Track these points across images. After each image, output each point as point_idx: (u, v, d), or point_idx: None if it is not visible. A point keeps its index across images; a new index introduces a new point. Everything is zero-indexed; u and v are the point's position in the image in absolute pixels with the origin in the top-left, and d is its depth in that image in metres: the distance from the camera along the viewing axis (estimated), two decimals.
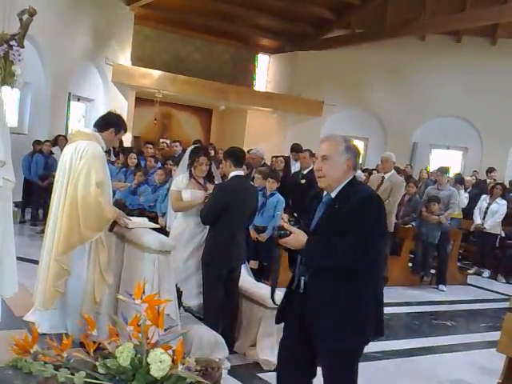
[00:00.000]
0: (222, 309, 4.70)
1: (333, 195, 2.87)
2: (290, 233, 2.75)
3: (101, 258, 4.04)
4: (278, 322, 3.07)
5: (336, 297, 2.70)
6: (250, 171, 7.57)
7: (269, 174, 7.11)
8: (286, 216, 3.02)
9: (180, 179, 5.16)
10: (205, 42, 17.93)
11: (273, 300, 3.09)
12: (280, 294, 3.04)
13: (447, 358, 5.36)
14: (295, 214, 2.89)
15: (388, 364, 4.97)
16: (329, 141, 2.88)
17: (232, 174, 4.73)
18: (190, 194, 5.05)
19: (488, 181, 12.36)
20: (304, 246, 2.73)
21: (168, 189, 6.88)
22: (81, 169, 4.01)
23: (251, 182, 6.94)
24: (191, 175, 5.08)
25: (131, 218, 4.33)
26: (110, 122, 4.27)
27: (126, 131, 4.40)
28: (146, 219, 4.79)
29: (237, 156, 4.81)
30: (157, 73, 14.66)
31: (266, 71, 19.14)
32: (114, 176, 8.31)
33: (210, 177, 5.15)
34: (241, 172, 4.83)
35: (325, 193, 2.95)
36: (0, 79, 5.90)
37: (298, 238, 2.75)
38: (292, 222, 2.82)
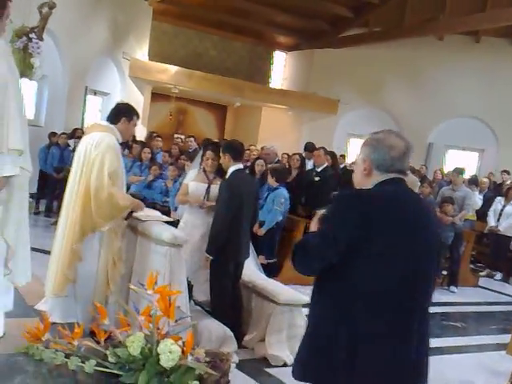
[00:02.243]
0: (230, 304, 4.73)
1: None
2: None
3: (114, 247, 4.08)
4: None
5: None
6: (265, 167, 7.57)
7: (274, 173, 7.05)
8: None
9: (191, 173, 5.28)
10: (222, 39, 17.96)
11: None
12: None
13: (456, 360, 5.33)
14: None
15: None
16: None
17: (232, 168, 4.73)
18: (193, 187, 5.17)
19: (504, 183, 12.25)
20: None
21: (181, 183, 6.96)
22: (94, 159, 4.05)
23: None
24: (203, 169, 5.18)
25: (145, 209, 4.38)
26: (119, 112, 4.29)
27: (138, 117, 4.39)
28: (159, 213, 4.84)
29: (236, 150, 4.81)
30: (173, 68, 14.71)
31: (282, 68, 19.12)
32: (128, 169, 8.39)
33: (222, 172, 5.15)
34: (240, 165, 4.85)
35: None
36: (19, 71, 5.97)
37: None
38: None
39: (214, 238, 4.64)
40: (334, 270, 2.11)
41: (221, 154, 4.80)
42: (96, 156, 4.06)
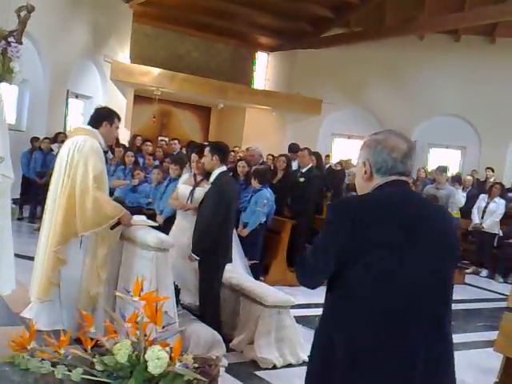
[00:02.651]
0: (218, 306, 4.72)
1: None
2: None
3: (99, 253, 4.03)
4: None
5: None
6: (249, 169, 7.57)
7: (257, 175, 7.05)
8: None
9: (184, 176, 5.33)
10: (203, 40, 17.91)
11: None
12: None
13: None
14: None
15: None
16: None
17: (218, 170, 4.72)
18: (181, 190, 5.21)
19: (488, 180, 12.38)
20: None
21: (166, 186, 6.92)
22: (77, 163, 4.01)
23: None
24: (194, 172, 5.21)
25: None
26: (100, 117, 4.26)
27: (119, 119, 4.36)
28: (144, 217, 4.80)
29: (224, 152, 4.85)
30: (155, 70, 14.64)
31: (264, 69, 19.13)
32: (111, 174, 8.32)
33: (209, 174, 5.13)
34: (225, 168, 4.86)
35: None
36: None
37: None
38: None
39: (199, 240, 4.63)
40: (332, 279, 2.01)
41: (207, 154, 4.75)
42: (79, 159, 4.01)
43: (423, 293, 1.97)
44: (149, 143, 9.85)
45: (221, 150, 4.79)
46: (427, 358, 1.94)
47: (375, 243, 1.93)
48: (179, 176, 6.19)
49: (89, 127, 4.27)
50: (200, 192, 4.99)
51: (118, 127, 4.36)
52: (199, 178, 5.14)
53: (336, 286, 2.00)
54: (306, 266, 2.07)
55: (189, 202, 5.09)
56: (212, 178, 4.74)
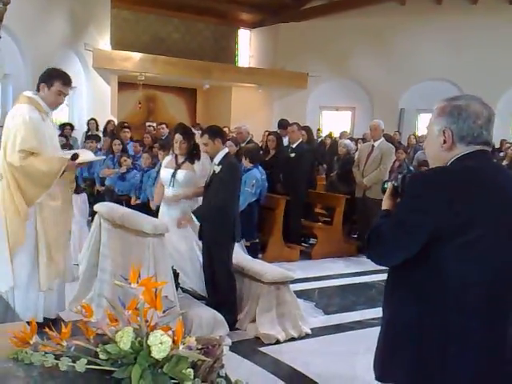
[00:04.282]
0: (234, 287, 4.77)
1: None
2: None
3: (49, 236, 3.98)
4: None
5: None
6: (238, 147, 7.54)
7: (247, 154, 7.03)
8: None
9: (165, 160, 5.29)
10: (184, 21, 17.70)
11: None
12: None
13: None
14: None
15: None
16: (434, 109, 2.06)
17: (223, 151, 4.74)
18: (163, 173, 5.17)
19: None
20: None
21: (157, 172, 6.88)
22: (7, 135, 3.91)
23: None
24: (175, 154, 5.13)
25: (77, 151, 4.25)
26: (39, 79, 4.06)
27: (65, 83, 4.06)
28: (90, 153, 4.78)
29: (223, 134, 4.92)
30: (137, 55, 14.48)
31: (247, 46, 18.95)
32: (101, 163, 8.26)
33: (192, 156, 5.05)
34: (227, 149, 4.92)
35: None
36: None
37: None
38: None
39: (213, 208, 4.60)
40: (417, 257, 1.84)
41: (207, 142, 4.71)
42: (9, 132, 3.91)
43: None
44: (127, 130, 9.70)
45: (219, 133, 4.83)
46: None
47: (477, 221, 1.78)
48: None
49: (30, 93, 4.07)
50: (182, 174, 4.96)
51: (59, 92, 4.06)
52: (181, 159, 5.04)
53: (421, 266, 1.84)
54: (384, 243, 1.90)
55: (171, 185, 5.03)
56: (217, 160, 4.70)
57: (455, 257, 1.79)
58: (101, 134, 10.04)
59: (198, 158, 5.07)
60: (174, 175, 5.01)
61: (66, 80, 4.08)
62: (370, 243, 1.96)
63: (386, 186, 2.16)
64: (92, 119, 11.04)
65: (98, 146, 8.80)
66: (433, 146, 1.98)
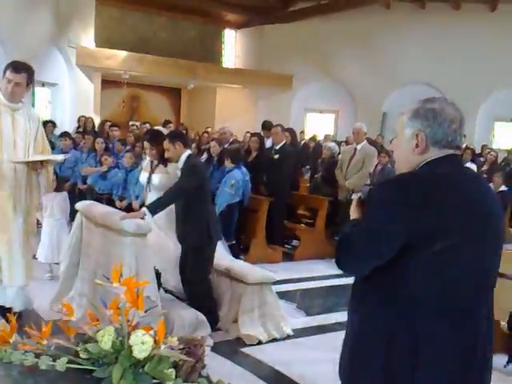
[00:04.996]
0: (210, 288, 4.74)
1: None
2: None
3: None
4: None
5: None
6: (221, 148, 7.55)
7: (229, 155, 7.02)
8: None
9: (144, 162, 5.41)
10: (170, 20, 17.64)
11: None
12: None
13: None
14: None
15: None
16: (402, 111, 2.03)
17: (184, 155, 4.59)
18: (141, 177, 5.25)
19: None
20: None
21: (140, 171, 6.86)
22: None
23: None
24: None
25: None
26: None
27: (13, 69, 3.98)
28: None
29: (184, 136, 4.82)
30: (122, 53, 14.39)
31: (233, 47, 18.96)
32: (83, 161, 8.20)
33: (164, 159, 4.94)
34: (190, 151, 4.74)
35: None
36: None
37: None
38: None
39: (161, 203, 4.42)
40: (386, 266, 1.80)
41: (168, 146, 4.60)
42: None
43: (489, 282, 1.88)
44: (115, 128, 9.68)
45: (179, 136, 4.74)
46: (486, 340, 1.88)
47: (449, 228, 1.75)
48: None
49: None
50: (157, 178, 4.99)
51: (9, 79, 3.98)
52: (155, 163, 5.08)
53: (392, 272, 1.80)
54: (353, 251, 1.85)
55: (148, 190, 5.06)
56: (181, 164, 4.61)
57: (425, 262, 1.76)
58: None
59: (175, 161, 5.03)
60: (149, 180, 5.05)
61: (14, 67, 4.03)
62: (340, 252, 1.89)
63: (351, 197, 2.13)
64: (82, 116, 11.13)
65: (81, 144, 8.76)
66: (403, 148, 1.94)
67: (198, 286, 4.60)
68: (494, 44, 14.60)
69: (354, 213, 2.04)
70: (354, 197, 2.09)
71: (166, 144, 4.64)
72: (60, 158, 4.74)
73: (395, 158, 2.01)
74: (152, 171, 5.05)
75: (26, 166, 4.08)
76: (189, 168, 4.54)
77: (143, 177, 5.18)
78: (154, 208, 4.33)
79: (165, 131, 5.79)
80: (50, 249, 5.61)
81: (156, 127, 7.44)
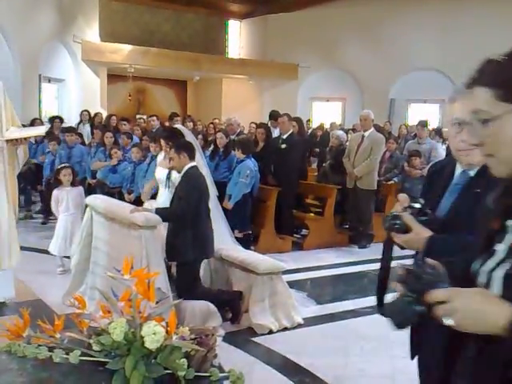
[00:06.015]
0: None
1: (472, 173, 1.85)
2: (407, 228, 1.77)
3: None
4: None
5: None
6: (228, 140, 7.54)
7: (239, 145, 6.98)
8: (405, 199, 1.85)
9: (159, 157, 5.36)
10: (174, 12, 17.61)
11: None
12: None
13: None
14: (421, 201, 1.84)
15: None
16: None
17: (188, 166, 4.51)
18: (158, 173, 5.21)
19: None
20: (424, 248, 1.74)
21: (148, 164, 6.88)
22: None
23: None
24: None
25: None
26: None
27: None
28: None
29: (190, 149, 4.59)
30: (127, 47, 14.39)
31: (237, 37, 18.88)
32: (92, 156, 8.23)
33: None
34: (194, 163, 4.60)
35: (458, 167, 1.91)
36: None
37: (418, 239, 1.77)
38: (416, 211, 1.80)
39: (163, 218, 4.29)
40: None
41: (173, 156, 4.51)
42: None
43: None
44: (124, 122, 9.70)
45: (186, 147, 4.57)
46: None
47: None
48: None
49: None
50: (176, 175, 4.91)
51: None
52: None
53: None
54: None
55: (167, 186, 5.02)
56: (182, 173, 4.54)
57: None
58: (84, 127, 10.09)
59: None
60: (168, 177, 5.00)
61: None
62: None
63: (394, 222, 1.79)
64: (85, 111, 11.09)
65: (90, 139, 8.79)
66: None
67: (193, 297, 4.57)
68: (504, 29, 14.42)
69: (411, 244, 1.78)
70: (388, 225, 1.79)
71: (172, 153, 4.54)
72: (43, 129, 4.75)
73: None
74: (171, 167, 4.91)
75: (4, 142, 4.11)
76: (186, 186, 4.43)
77: (161, 173, 5.08)
78: (160, 216, 4.29)
79: (181, 128, 5.65)
80: (63, 242, 5.64)
81: (175, 125, 7.27)
